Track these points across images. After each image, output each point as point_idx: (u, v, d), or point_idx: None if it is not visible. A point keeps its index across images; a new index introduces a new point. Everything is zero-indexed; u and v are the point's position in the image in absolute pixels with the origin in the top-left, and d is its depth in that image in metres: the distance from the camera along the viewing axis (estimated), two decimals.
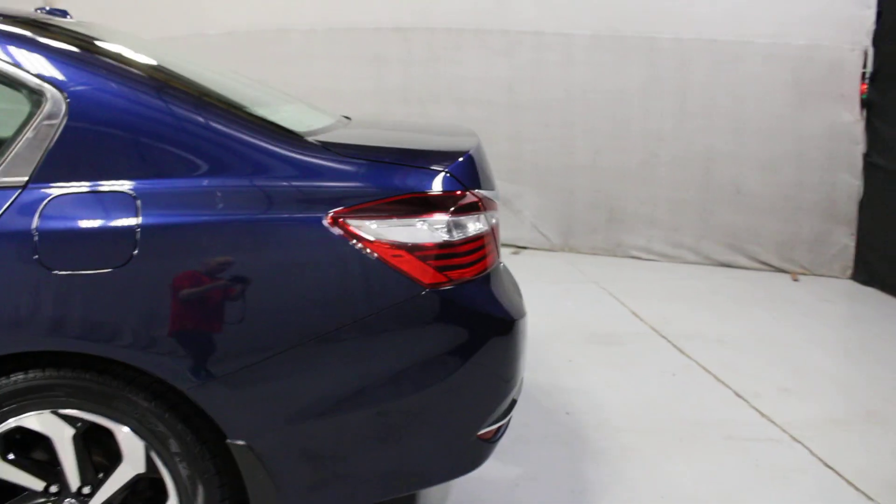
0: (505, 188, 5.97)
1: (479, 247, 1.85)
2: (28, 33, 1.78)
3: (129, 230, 1.61)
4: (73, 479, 1.74)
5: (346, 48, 6.16)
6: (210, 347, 1.65)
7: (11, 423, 1.70)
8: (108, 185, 1.66)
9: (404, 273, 1.70)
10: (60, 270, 1.59)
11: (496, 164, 5.78)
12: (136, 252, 1.60)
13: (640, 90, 5.43)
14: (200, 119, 1.74)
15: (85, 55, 1.78)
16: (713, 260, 5.52)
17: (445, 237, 1.75)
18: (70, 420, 1.70)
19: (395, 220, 1.71)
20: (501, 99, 5.84)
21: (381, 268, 1.68)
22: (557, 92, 5.68)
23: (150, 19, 6.53)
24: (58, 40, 1.81)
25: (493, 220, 2.00)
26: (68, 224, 1.62)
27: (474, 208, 1.84)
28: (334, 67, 6.21)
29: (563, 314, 4.34)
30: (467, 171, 1.88)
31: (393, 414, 1.78)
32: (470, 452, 1.89)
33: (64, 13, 2.33)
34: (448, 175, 1.80)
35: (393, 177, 1.77)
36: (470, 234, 1.82)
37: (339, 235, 1.66)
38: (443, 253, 1.75)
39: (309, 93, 6.23)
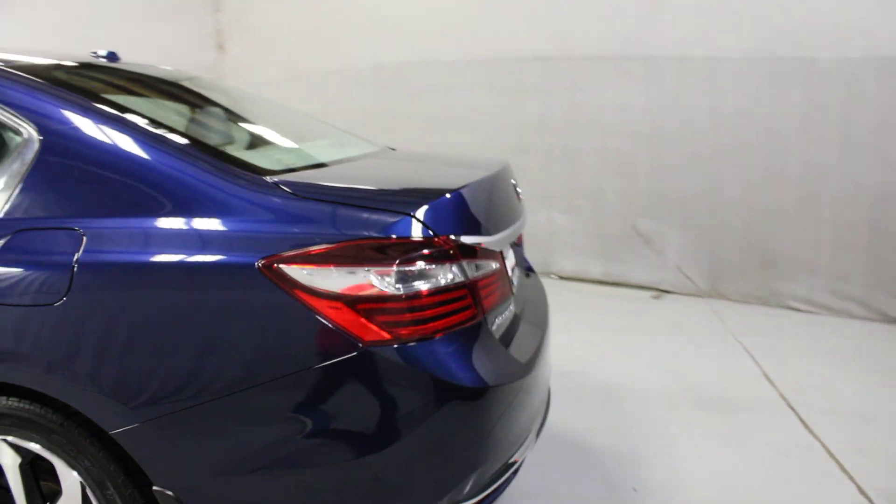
0: (646, 226, 5.52)
1: (448, 300, 1.62)
2: (16, 74, 1.83)
3: (67, 267, 1.60)
4: None
5: (487, 79, 6.06)
6: (135, 390, 1.58)
7: None
8: (60, 222, 1.66)
9: (340, 327, 1.52)
10: (5, 303, 1.62)
11: (637, 198, 5.42)
12: (70, 289, 1.59)
13: (798, 117, 4.75)
14: (148, 160, 1.69)
15: (62, 94, 1.80)
16: (887, 316, 4.66)
17: (394, 289, 1.55)
18: (18, 449, 1.71)
19: (335, 269, 1.54)
20: (643, 129, 5.41)
21: (314, 320, 1.52)
22: (703, 121, 5.14)
23: (307, 56, 6.91)
24: (65, 83, 1.86)
25: (485, 270, 1.75)
26: (18, 258, 1.65)
27: (444, 257, 1.61)
28: (474, 98, 6.14)
29: (681, 372, 3.84)
30: (442, 215, 1.67)
31: (332, 480, 1.60)
32: None
33: (114, 56, 2.42)
34: (412, 219, 1.60)
35: (344, 220, 1.61)
36: (436, 286, 1.60)
37: (272, 283, 1.52)
38: (390, 307, 1.55)
39: (449, 124, 6.23)
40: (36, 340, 1.62)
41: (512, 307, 2.00)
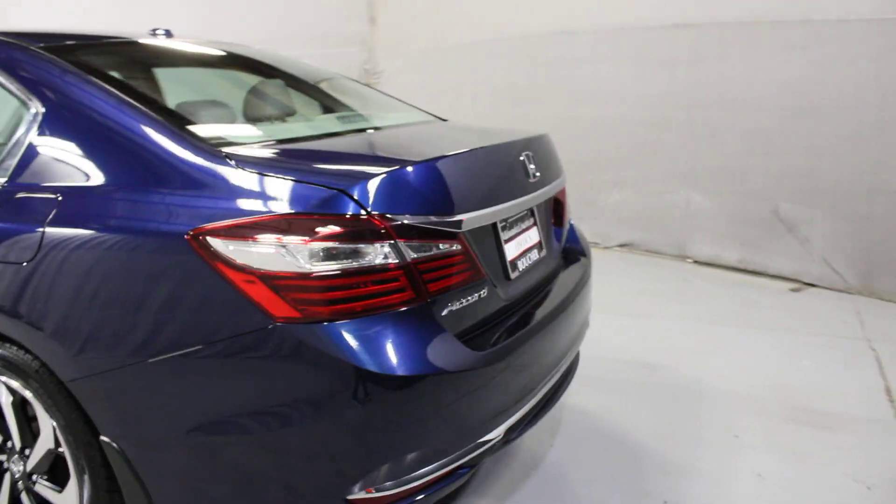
0: (791, 211, 4.95)
1: (374, 281, 1.57)
2: (24, 52, 1.99)
3: (39, 231, 1.75)
4: (17, 439, 1.93)
5: (632, 48, 5.72)
6: (81, 345, 1.70)
7: None
8: (45, 189, 1.81)
9: (253, 302, 1.53)
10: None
11: (783, 181, 4.91)
12: (39, 251, 1.72)
13: None
14: (118, 133, 1.80)
15: (63, 71, 1.93)
16: None
17: (310, 266, 1.52)
18: (9, 389, 1.89)
19: (255, 243, 1.55)
20: (795, 103, 4.82)
21: (231, 293, 1.55)
22: (867, 95, 4.47)
23: (452, 28, 6.91)
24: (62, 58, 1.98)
25: (435, 251, 1.66)
26: (10, 220, 1.83)
27: (375, 236, 1.55)
28: (619, 70, 5.83)
29: (786, 376, 3.42)
30: (383, 192, 1.61)
31: (244, 450, 1.63)
32: None
33: (168, 33, 2.57)
34: (343, 195, 1.55)
35: (276, 194, 1.61)
36: (359, 266, 1.55)
37: (196, 254, 1.56)
38: (303, 284, 1.52)
39: (591, 96, 5.95)
40: (10, 293, 1.78)
41: (486, 291, 1.86)
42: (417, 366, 1.58)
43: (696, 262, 5.57)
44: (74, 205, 1.75)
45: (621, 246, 6.03)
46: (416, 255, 1.62)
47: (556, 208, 2.54)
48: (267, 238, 1.53)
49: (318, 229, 1.53)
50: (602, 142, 5.98)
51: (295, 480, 1.61)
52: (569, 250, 2.65)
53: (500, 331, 1.89)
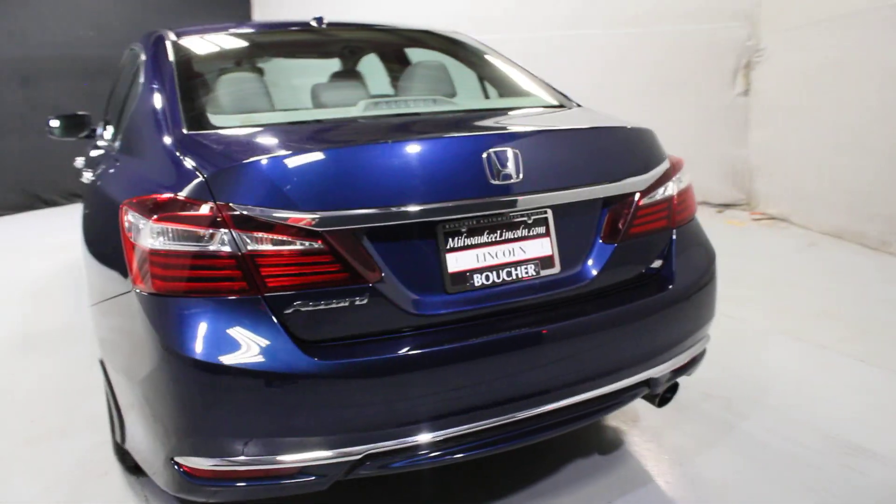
0: None
1: (203, 266, 1.67)
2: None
3: (95, 185, 2.39)
4: None
5: None
6: (87, 279, 2.23)
7: None
8: (115, 155, 2.42)
9: (130, 268, 1.79)
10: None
11: None
12: (92, 201, 2.36)
13: None
14: (146, 115, 2.23)
15: (164, 61, 2.42)
16: None
17: (149, 243, 1.71)
18: None
19: (138, 216, 1.78)
20: None
21: (122, 258, 1.82)
22: None
23: None
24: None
25: (281, 246, 1.68)
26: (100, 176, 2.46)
27: (211, 223, 1.67)
28: None
29: None
30: (238, 182, 1.71)
31: (133, 391, 1.87)
32: (164, 473, 1.79)
33: (320, 19, 2.89)
34: (201, 181, 1.72)
35: (166, 175, 1.86)
36: (186, 249, 1.67)
37: (118, 221, 1.87)
38: (144, 258, 1.73)
39: None
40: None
41: (367, 299, 1.73)
42: (225, 355, 1.61)
43: None
44: (112, 167, 2.28)
45: None
46: (254, 248, 1.64)
47: (614, 220, 2.07)
48: (143, 213, 1.74)
49: (166, 211, 1.69)
50: None
51: (152, 427, 1.79)
52: (647, 275, 2.15)
53: (388, 346, 1.74)
